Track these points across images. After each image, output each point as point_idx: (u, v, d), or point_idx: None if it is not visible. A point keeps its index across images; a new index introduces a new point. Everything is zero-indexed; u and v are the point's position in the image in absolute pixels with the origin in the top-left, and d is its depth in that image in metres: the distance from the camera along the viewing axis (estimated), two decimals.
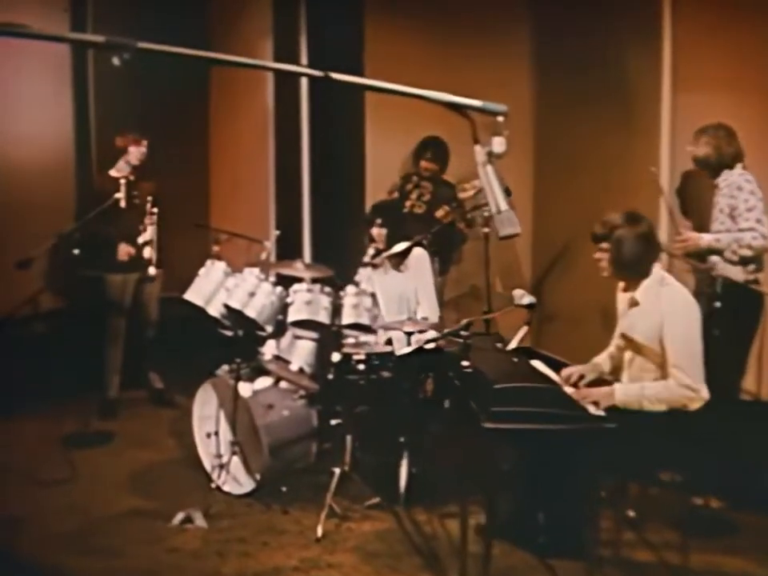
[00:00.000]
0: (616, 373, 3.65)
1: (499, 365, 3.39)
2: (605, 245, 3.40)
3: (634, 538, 3.75)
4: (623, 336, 3.53)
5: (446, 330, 3.34)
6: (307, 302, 4.13)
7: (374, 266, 4.68)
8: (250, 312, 4.23)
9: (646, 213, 4.82)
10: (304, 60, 6.13)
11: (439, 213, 5.41)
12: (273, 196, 6.66)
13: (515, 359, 3.46)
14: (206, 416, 4.59)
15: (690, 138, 4.35)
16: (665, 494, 3.98)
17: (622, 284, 3.60)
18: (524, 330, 3.51)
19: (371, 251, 4.57)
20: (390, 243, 4.64)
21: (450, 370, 3.45)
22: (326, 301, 4.14)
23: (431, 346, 3.67)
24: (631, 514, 3.86)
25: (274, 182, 6.64)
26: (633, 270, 3.42)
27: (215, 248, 6.00)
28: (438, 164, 5.73)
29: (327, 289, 4.22)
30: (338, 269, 4.71)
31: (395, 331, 4.37)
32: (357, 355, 4.31)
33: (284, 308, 4.28)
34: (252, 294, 4.25)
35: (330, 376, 4.24)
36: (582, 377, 3.59)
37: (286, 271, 4.64)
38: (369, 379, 4.30)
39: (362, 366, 4.32)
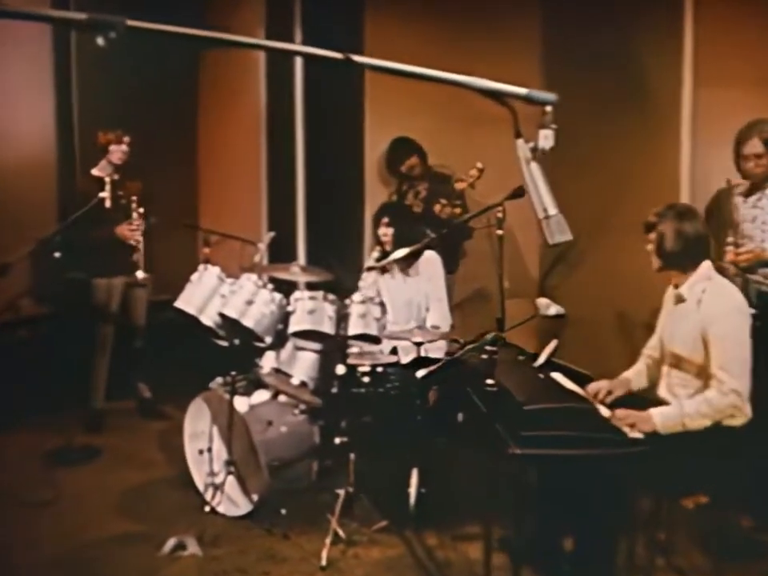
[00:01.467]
0: (653, 389, 3.39)
1: (525, 382, 3.09)
2: (653, 235, 3.20)
3: (663, 563, 3.50)
4: (670, 353, 3.27)
5: (469, 345, 3.04)
6: (310, 310, 3.81)
7: (382, 270, 4.38)
8: (248, 322, 3.92)
9: None
10: (299, 63, 5.82)
11: (436, 208, 5.11)
12: (265, 196, 6.35)
13: (541, 375, 3.17)
14: (199, 432, 4.28)
15: (711, 135, 4.12)
16: (693, 515, 3.72)
17: (670, 292, 3.38)
18: (553, 344, 3.22)
19: (376, 254, 4.27)
20: (397, 244, 4.36)
21: (470, 386, 3.15)
22: (330, 309, 3.83)
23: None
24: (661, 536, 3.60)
25: (267, 180, 6.33)
26: (677, 264, 3.21)
27: (205, 250, 5.75)
28: (417, 156, 5.44)
29: (331, 296, 3.90)
30: (335, 273, 4.41)
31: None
32: (361, 367, 4.03)
33: (284, 317, 3.96)
34: (249, 302, 3.93)
35: (334, 390, 3.93)
36: (609, 393, 3.31)
37: (281, 275, 4.35)
38: (375, 392, 4.01)
39: (366, 379, 4.04)
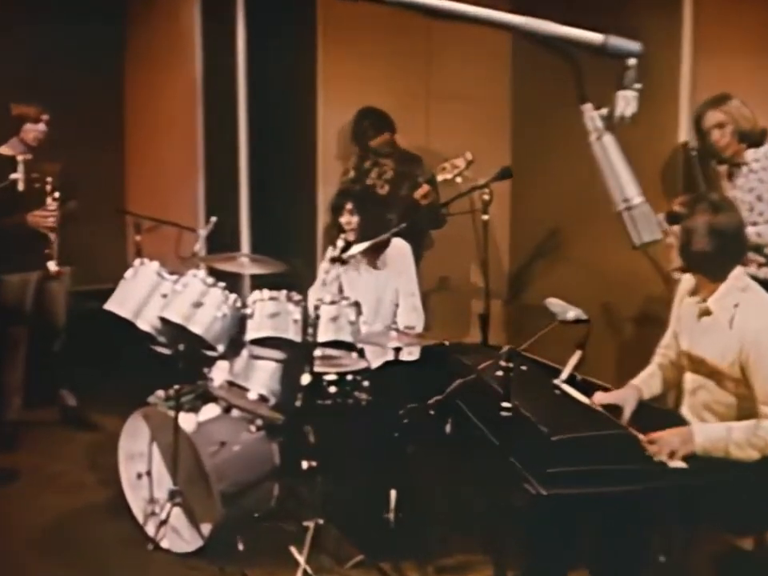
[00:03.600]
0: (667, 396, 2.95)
1: (542, 402, 2.59)
2: (677, 228, 2.66)
3: None
4: (689, 356, 2.79)
5: (483, 364, 2.52)
6: (271, 314, 3.22)
7: (343, 262, 3.83)
8: (196, 328, 3.31)
9: (662, 195, 4.22)
10: (241, 14, 5.16)
11: (418, 193, 4.51)
12: (202, 176, 5.66)
13: (557, 391, 2.68)
14: (136, 453, 3.68)
15: None
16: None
17: (687, 283, 2.87)
18: (576, 355, 2.72)
19: (340, 243, 3.71)
20: (363, 234, 3.83)
21: (472, 407, 2.64)
22: (295, 312, 3.25)
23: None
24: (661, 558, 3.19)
25: (204, 159, 5.64)
26: (705, 268, 2.70)
27: (137, 238, 5.17)
28: (386, 131, 4.86)
29: (296, 296, 3.33)
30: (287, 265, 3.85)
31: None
32: (327, 375, 3.50)
33: (240, 321, 3.37)
34: (197, 304, 3.31)
35: (298, 403, 3.38)
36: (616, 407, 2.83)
37: (226, 267, 3.77)
38: (344, 404, 3.50)
39: (333, 388, 3.52)
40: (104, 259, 5.50)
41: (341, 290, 3.94)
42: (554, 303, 2.78)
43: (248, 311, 3.31)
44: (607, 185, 1.57)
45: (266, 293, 3.30)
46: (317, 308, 3.24)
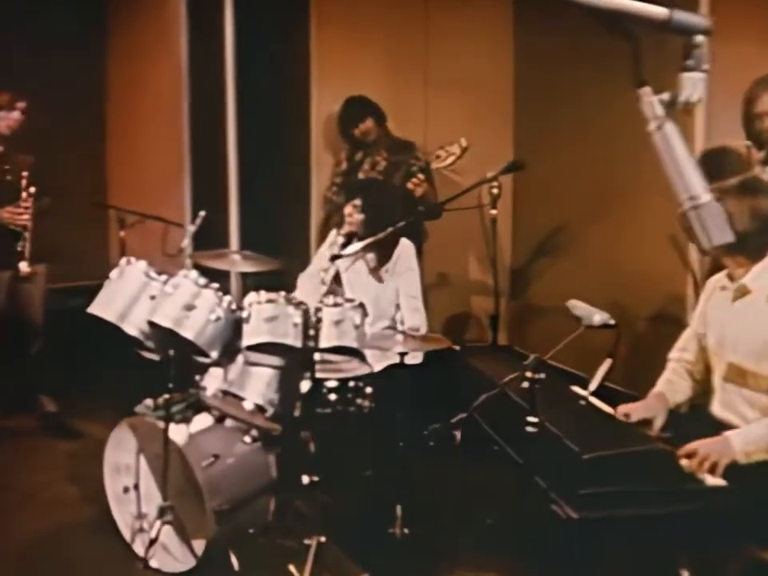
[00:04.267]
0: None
1: (566, 414, 2.39)
2: None
3: None
4: (718, 354, 2.65)
5: (510, 376, 2.33)
6: (269, 318, 2.98)
7: (338, 257, 3.64)
8: (187, 332, 3.07)
9: (664, 192, 4.04)
10: (229, 8, 4.93)
11: (410, 185, 4.30)
12: (188, 169, 5.44)
13: (582, 402, 2.48)
14: (122, 466, 3.46)
15: (728, 96, 3.52)
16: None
17: (713, 282, 2.77)
18: (607, 363, 2.53)
19: (341, 239, 3.51)
20: (366, 231, 3.63)
21: (487, 420, 2.45)
22: (296, 315, 3.01)
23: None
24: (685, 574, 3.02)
25: (190, 151, 5.41)
26: (746, 249, 2.58)
27: (121, 234, 4.98)
28: (373, 119, 4.65)
29: (296, 298, 3.10)
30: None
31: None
32: (328, 381, 3.30)
33: (235, 325, 3.14)
34: (189, 307, 3.07)
35: (297, 413, 3.17)
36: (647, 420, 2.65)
37: (216, 264, 3.57)
38: (345, 412, 3.32)
39: (333, 396, 3.32)
40: (86, 256, 5.33)
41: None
42: (578, 306, 2.58)
43: (244, 314, 3.07)
44: (670, 180, 1.38)
45: (263, 294, 3.06)
46: (318, 310, 3.02)
